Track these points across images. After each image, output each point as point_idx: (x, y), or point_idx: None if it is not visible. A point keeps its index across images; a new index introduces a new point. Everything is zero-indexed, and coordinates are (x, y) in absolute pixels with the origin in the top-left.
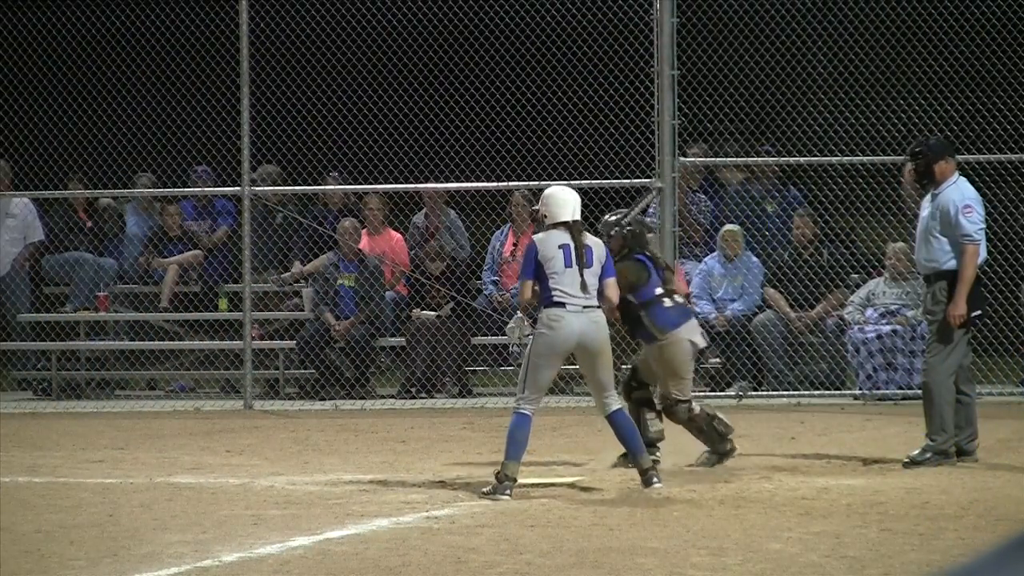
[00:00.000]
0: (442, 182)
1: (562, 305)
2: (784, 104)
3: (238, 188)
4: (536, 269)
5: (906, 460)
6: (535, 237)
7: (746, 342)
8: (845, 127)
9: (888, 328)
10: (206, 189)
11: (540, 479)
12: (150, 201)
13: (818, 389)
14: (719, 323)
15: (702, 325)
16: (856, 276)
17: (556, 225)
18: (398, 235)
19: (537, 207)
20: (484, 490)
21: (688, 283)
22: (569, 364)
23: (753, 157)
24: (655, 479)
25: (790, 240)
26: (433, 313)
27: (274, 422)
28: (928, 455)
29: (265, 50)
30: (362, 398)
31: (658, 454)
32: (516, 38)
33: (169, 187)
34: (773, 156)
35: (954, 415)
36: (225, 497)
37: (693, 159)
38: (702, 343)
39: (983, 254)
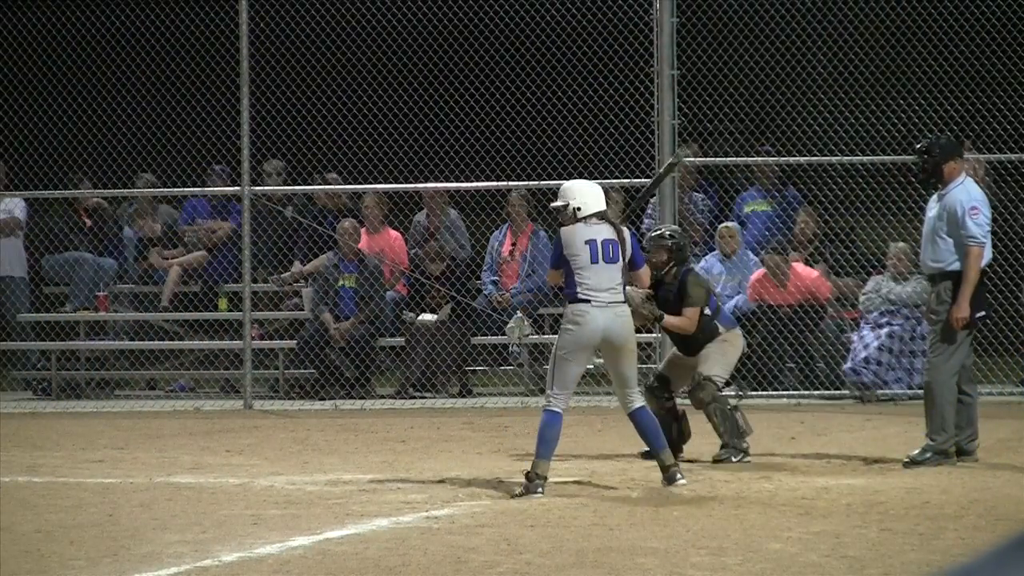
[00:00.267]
0: (442, 182)
1: (587, 301)
2: (784, 104)
3: (238, 188)
4: (560, 261)
5: (906, 460)
6: (562, 230)
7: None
8: (845, 127)
9: (888, 329)
10: (206, 189)
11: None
12: (144, 206)
13: (818, 389)
14: None
15: None
16: (851, 280)
17: (586, 217)
18: (397, 234)
19: (559, 203)
20: (516, 492)
21: None
22: None
23: (753, 157)
24: (679, 476)
25: (790, 240)
26: (432, 316)
27: (274, 422)
28: (928, 455)
29: (265, 50)
30: (362, 398)
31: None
32: (516, 38)
33: (169, 187)
34: (773, 156)
35: (955, 415)
36: (225, 497)
37: (692, 159)
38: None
39: (988, 256)
